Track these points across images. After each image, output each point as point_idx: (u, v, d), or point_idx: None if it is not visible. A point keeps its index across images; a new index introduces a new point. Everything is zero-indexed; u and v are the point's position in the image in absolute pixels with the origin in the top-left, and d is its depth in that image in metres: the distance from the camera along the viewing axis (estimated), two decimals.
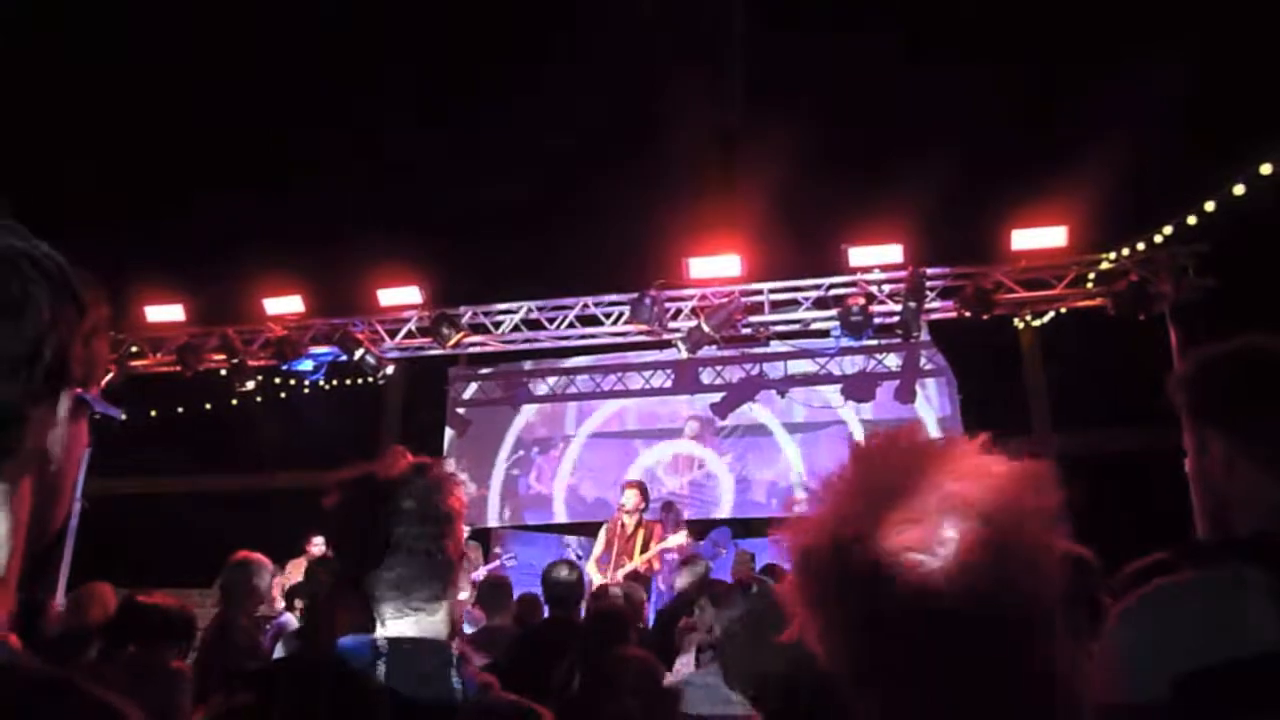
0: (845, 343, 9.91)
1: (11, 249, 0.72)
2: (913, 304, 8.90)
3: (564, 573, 4.94)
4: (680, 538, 8.12)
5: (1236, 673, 1.18)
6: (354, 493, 1.50)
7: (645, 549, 8.07)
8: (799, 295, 9.60)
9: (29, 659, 0.68)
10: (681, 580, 6.45)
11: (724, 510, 11.38)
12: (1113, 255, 8.81)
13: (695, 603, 4.73)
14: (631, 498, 8.30)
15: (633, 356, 12.06)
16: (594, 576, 8.07)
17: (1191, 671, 1.20)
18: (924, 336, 10.39)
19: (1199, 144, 9.14)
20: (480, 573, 8.49)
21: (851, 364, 11.45)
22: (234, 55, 10.99)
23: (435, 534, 1.48)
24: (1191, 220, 8.29)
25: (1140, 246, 8.71)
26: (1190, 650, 1.21)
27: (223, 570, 5.06)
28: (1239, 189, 7.76)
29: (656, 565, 8.16)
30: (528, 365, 12.62)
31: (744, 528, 11.11)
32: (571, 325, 10.13)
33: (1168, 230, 8.52)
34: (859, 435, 9.78)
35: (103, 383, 0.82)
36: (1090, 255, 8.91)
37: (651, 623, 6.56)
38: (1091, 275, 8.98)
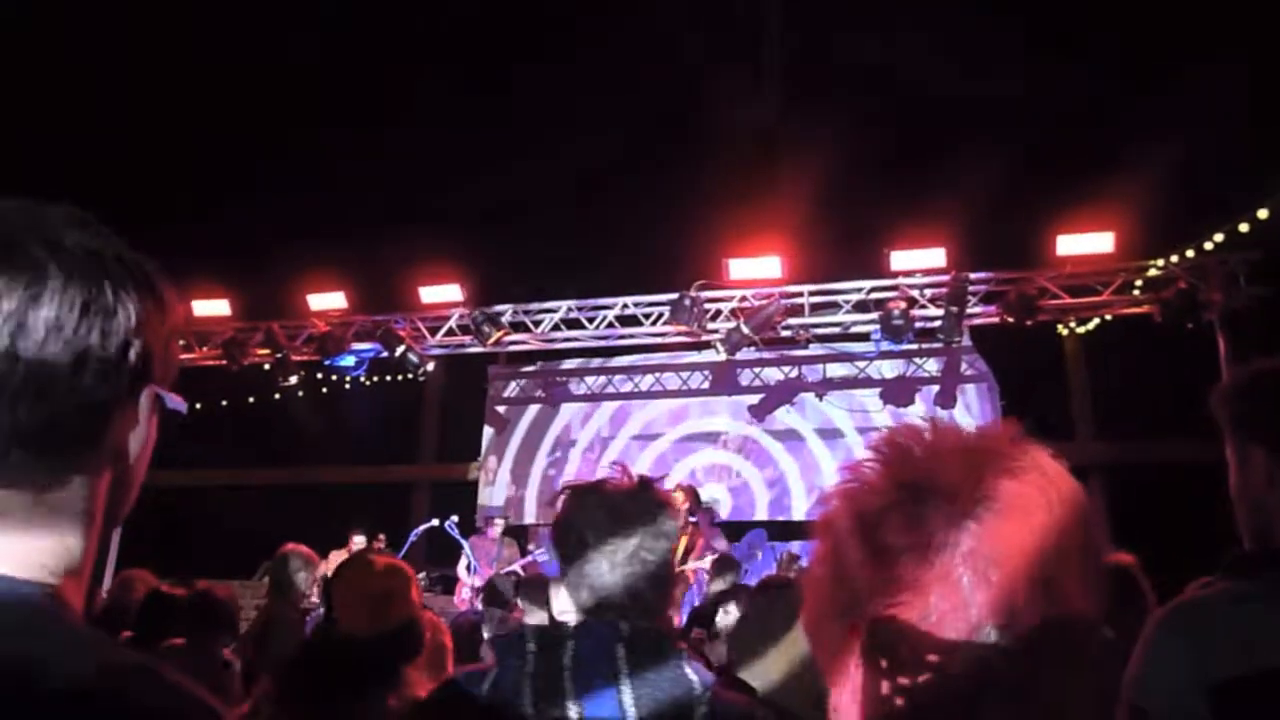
0: (885, 347, 9.83)
1: (102, 252, 0.75)
2: (954, 309, 8.81)
3: None
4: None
5: (1268, 681, 1.17)
6: (584, 503, 1.60)
7: (684, 559, 7.93)
8: (839, 298, 9.54)
9: (110, 642, 0.70)
10: (713, 584, 6.44)
11: (760, 512, 11.35)
12: (1161, 262, 8.64)
13: (723, 605, 4.73)
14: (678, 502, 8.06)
15: (672, 357, 12.07)
16: None
17: (1224, 679, 1.20)
18: (965, 342, 10.27)
19: (1252, 149, 8.94)
20: (515, 567, 8.53)
21: (891, 368, 11.37)
22: (279, 52, 11.16)
23: (661, 547, 1.57)
24: (1243, 227, 8.11)
25: (1190, 253, 8.53)
26: (1223, 659, 1.21)
27: (270, 563, 5.04)
28: None
29: (692, 579, 8.04)
30: (567, 364, 12.68)
31: (781, 529, 11.04)
32: (611, 325, 10.17)
33: (1219, 237, 8.34)
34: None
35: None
36: (1138, 261, 8.73)
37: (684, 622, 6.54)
38: (1139, 282, 8.82)
